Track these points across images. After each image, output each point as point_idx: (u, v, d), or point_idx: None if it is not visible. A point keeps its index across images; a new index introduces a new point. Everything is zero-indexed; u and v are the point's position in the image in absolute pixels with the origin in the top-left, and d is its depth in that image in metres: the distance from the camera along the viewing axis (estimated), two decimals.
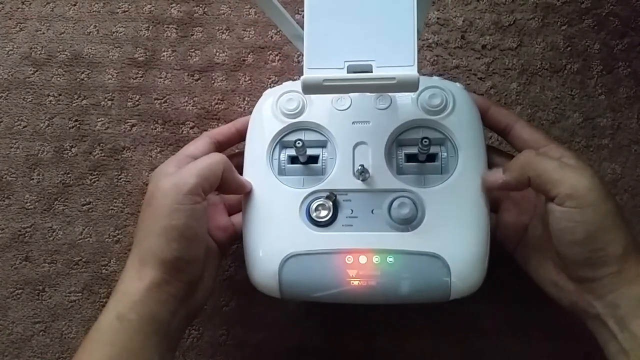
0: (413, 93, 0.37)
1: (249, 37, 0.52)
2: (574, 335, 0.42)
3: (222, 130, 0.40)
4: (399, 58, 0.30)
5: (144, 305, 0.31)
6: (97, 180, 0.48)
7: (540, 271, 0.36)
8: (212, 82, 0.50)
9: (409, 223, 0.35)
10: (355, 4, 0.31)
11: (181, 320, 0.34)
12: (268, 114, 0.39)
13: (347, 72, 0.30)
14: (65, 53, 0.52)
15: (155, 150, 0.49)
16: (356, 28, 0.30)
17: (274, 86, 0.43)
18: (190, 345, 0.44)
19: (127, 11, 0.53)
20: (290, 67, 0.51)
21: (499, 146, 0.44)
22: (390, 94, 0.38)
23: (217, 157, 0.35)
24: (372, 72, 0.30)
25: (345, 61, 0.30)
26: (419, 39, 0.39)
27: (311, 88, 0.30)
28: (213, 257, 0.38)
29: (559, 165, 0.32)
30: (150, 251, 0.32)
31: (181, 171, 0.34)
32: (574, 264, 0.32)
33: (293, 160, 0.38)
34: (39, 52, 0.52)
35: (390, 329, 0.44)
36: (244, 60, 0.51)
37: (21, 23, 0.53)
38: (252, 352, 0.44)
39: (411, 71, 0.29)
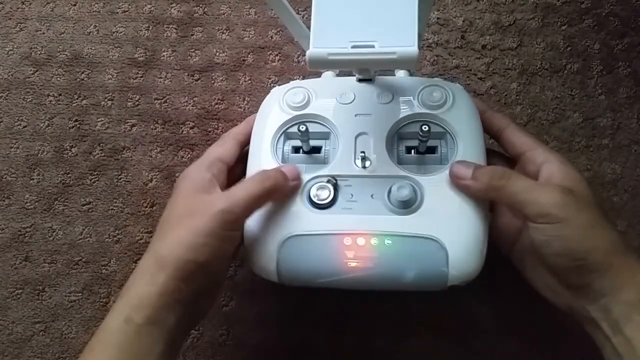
0: (413, 92, 0.39)
1: (249, 37, 0.52)
2: (574, 335, 0.42)
3: (242, 130, 0.40)
4: (400, 39, 0.31)
5: (153, 310, 0.31)
6: (97, 180, 0.48)
7: (535, 274, 0.36)
8: (212, 82, 0.50)
9: (408, 207, 0.35)
10: None
11: (186, 325, 0.34)
12: (275, 107, 0.40)
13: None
14: (65, 53, 0.52)
15: (155, 150, 0.49)
16: (361, 11, 0.32)
17: (274, 86, 0.43)
18: (190, 345, 0.44)
19: (127, 11, 0.53)
20: (290, 67, 0.51)
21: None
22: (391, 91, 0.39)
23: (268, 185, 0.34)
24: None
25: (350, 41, 0.31)
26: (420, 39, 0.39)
27: (317, 62, 0.31)
28: (226, 263, 0.38)
29: (526, 187, 0.32)
30: (173, 260, 0.32)
31: (231, 196, 0.33)
32: (560, 272, 0.33)
33: (296, 150, 0.39)
34: (39, 52, 0.52)
35: (390, 328, 0.44)
36: (244, 60, 0.51)
37: (21, 23, 0.53)
38: (252, 352, 0.44)
39: (411, 48, 0.30)
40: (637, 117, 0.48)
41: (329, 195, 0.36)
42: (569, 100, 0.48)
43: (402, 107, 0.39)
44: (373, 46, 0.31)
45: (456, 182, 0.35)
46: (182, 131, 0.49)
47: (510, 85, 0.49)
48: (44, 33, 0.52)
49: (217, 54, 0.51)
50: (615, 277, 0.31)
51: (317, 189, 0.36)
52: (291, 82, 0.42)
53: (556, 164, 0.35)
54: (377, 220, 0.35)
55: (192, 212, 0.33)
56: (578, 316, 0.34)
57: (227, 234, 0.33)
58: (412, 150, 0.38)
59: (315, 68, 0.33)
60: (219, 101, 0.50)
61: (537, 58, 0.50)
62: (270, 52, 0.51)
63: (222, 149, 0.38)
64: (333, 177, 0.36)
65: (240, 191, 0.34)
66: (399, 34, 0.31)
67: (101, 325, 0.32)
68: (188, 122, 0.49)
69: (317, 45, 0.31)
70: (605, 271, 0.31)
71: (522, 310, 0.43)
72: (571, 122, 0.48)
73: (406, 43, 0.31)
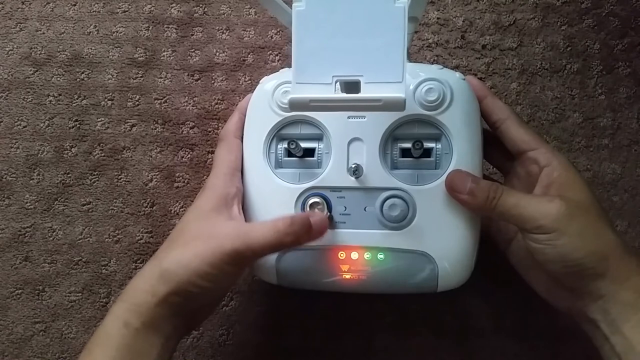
0: (410, 86, 0.37)
1: (249, 37, 0.52)
2: (574, 336, 0.42)
3: (238, 125, 0.39)
4: (387, 74, 0.30)
5: (150, 318, 0.32)
6: (97, 180, 0.48)
7: (532, 275, 0.36)
8: (212, 82, 0.50)
9: (399, 222, 0.36)
10: (345, 18, 0.31)
11: (182, 332, 0.35)
12: (265, 107, 0.38)
13: (335, 87, 0.31)
14: (65, 53, 0.52)
15: (155, 150, 0.49)
16: (345, 42, 0.30)
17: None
18: (190, 345, 0.44)
19: (127, 11, 0.53)
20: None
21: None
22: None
23: (289, 240, 0.33)
24: (360, 87, 0.30)
25: (334, 76, 0.30)
26: (409, 53, 0.39)
27: (298, 107, 0.31)
28: (229, 287, 0.38)
29: (517, 203, 0.32)
30: (176, 278, 0.32)
31: (248, 236, 0.32)
32: (556, 276, 0.33)
33: (290, 153, 0.38)
34: (39, 52, 0.52)
35: (390, 329, 0.44)
36: (244, 60, 0.51)
37: (21, 23, 0.53)
38: (252, 352, 0.44)
39: (398, 92, 0.29)
40: (637, 117, 0.48)
41: (323, 211, 0.36)
42: (569, 100, 0.48)
43: None
44: (358, 81, 0.30)
45: (451, 194, 0.35)
46: (182, 131, 0.49)
47: (510, 85, 0.49)
48: (44, 33, 0.52)
49: (217, 54, 0.51)
50: (612, 280, 0.31)
51: (312, 205, 0.36)
52: (282, 72, 0.40)
53: (557, 170, 0.34)
54: (369, 235, 0.36)
55: (206, 234, 0.33)
56: (576, 316, 0.34)
57: (235, 270, 0.33)
58: (406, 153, 0.37)
59: (297, 111, 0.33)
60: (219, 101, 0.50)
61: (537, 58, 0.50)
62: (270, 52, 0.51)
63: (234, 156, 0.38)
64: (326, 198, 0.37)
65: (259, 235, 0.32)
66: (385, 67, 0.30)
67: (99, 327, 0.32)
68: (188, 122, 0.49)
69: (300, 81, 0.31)
70: (601, 275, 0.31)
71: (522, 310, 0.43)
72: (571, 122, 0.48)
73: (393, 78, 0.30)
